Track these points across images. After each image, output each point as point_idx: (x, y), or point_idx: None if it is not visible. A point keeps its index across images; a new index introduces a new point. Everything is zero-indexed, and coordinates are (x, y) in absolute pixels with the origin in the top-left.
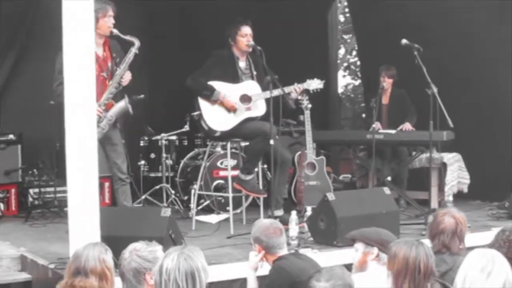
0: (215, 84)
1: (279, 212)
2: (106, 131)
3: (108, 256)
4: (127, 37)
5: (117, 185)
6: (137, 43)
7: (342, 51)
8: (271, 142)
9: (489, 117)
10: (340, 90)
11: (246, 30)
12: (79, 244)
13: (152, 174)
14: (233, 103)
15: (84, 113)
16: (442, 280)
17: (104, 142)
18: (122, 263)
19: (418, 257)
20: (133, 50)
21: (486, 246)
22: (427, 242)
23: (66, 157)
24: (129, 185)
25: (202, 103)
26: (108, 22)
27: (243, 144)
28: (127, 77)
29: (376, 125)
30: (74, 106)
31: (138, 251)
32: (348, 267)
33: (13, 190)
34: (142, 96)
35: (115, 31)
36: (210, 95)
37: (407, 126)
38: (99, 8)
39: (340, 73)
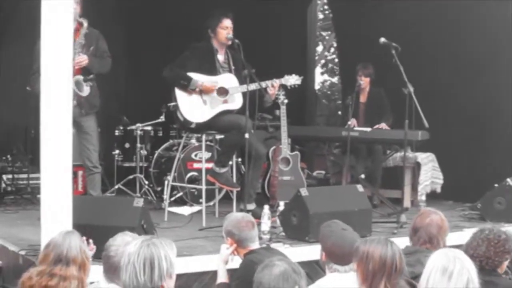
0: (193, 75)
1: (252, 206)
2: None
3: (86, 246)
4: (80, 20)
5: (86, 173)
6: (85, 24)
7: (320, 48)
8: (246, 135)
9: (463, 118)
10: (317, 86)
11: (227, 22)
12: (51, 232)
13: (126, 164)
14: (211, 85)
15: (59, 101)
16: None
17: (76, 129)
18: (116, 255)
19: (394, 255)
20: (82, 32)
21: (463, 245)
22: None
23: (40, 144)
24: (98, 175)
25: (179, 93)
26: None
27: (218, 137)
28: (81, 59)
29: (352, 122)
30: (50, 94)
31: None
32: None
33: None
34: (92, 76)
35: None
36: (187, 84)
37: (382, 126)
38: None
39: (318, 70)
